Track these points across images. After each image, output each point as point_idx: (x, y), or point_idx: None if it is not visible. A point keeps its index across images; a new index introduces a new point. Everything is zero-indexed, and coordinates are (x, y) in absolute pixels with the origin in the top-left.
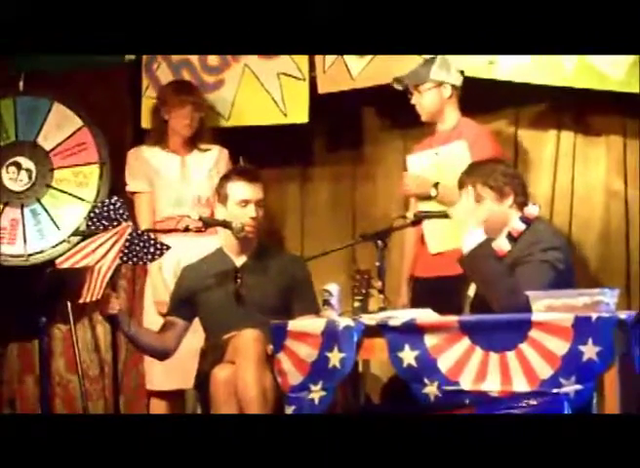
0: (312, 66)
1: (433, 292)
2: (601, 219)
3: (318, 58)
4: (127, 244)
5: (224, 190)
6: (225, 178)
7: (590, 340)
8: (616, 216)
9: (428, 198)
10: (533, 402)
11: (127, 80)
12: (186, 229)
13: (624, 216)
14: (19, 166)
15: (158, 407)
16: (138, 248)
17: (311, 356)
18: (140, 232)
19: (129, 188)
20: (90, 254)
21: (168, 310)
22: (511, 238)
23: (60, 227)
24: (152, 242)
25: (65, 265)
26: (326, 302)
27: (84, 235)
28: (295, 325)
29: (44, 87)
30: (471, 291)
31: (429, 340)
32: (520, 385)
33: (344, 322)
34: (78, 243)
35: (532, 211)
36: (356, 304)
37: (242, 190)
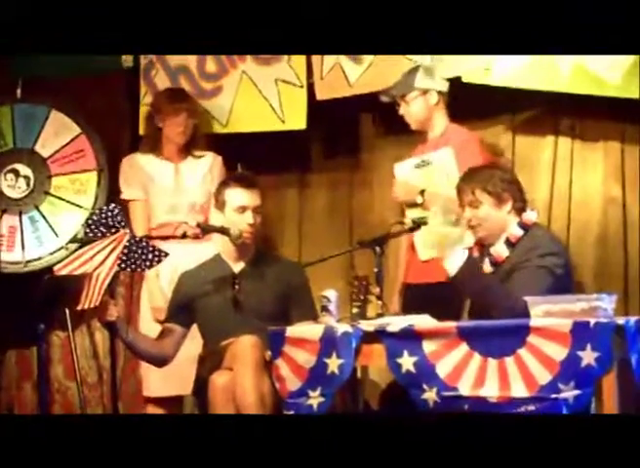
0: (310, 73)
1: (424, 298)
2: (599, 224)
3: (316, 65)
4: (125, 251)
5: (222, 197)
6: (223, 185)
7: (589, 346)
8: (614, 222)
9: (415, 205)
10: (531, 407)
11: (125, 87)
12: (184, 236)
13: (622, 222)
14: (17, 173)
15: (156, 413)
16: (136, 254)
17: (309, 362)
18: (138, 239)
19: (123, 196)
20: (88, 261)
21: (166, 317)
22: (509, 244)
23: (58, 234)
24: (150, 248)
25: (63, 272)
26: (324, 308)
27: (82, 242)
28: (293, 331)
29: (42, 94)
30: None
31: (428, 346)
32: (519, 391)
33: (343, 328)
34: (76, 250)
35: (530, 216)
36: (354, 310)
37: (239, 197)
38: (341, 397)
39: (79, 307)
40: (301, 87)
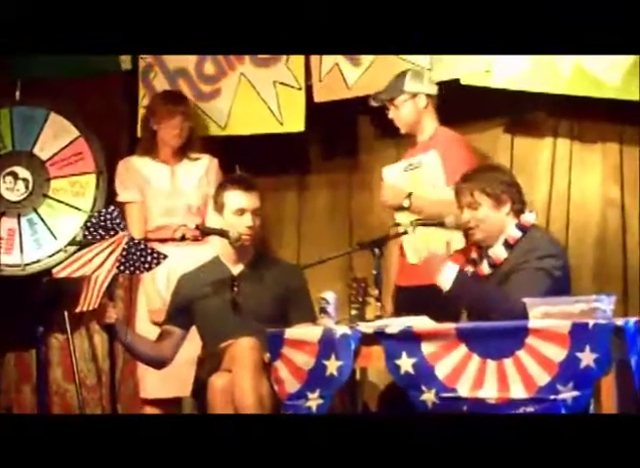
0: (308, 75)
1: (415, 300)
2: (598, 226)
3: (314, 67)
4: (124, 253)
5: (221, 199)
6: (222, 187)
7: (587, 347)
8: (612, 223)
9: (403, 208)
10: (530, 408)
11: (123, 89)
12: (183, 238)
13: (621, 223)
14: (15, 176)
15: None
16: (134, 257)
17: (308, 364)
18: (136, 241)
19: (119, 198)
20: (87, 264)
21: (165, 319)
22: (507, 245)
23: (56, 237)
24: (149, 251)
25: (62, 275)
26: (323, 310)
27: (81, 244)
28: (292, 333)
29: (40, 96)
30: None
31: (426, 348)
32: (517, 392)
33: (341, 330)
34: (75, 252)
35: (528, 218)
36: (353, 312)
37: (238, 199)
38: (340, 399)
39: (78, 310)
40: (300, 89)
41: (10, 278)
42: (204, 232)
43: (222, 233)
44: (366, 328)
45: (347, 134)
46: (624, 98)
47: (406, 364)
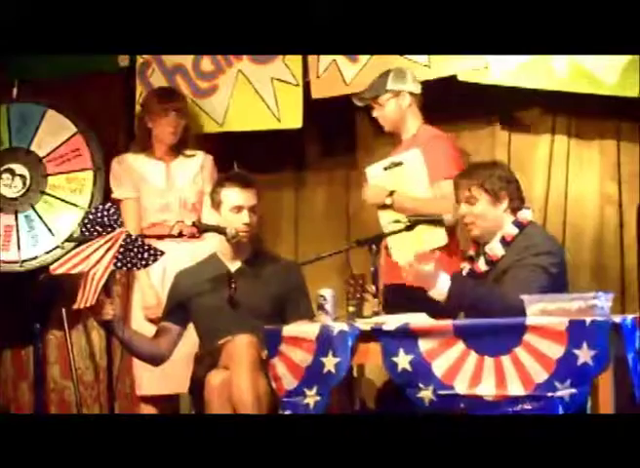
0: (306, 72)
1: (401, 297)
2: (595, 223)
3: (312, 64)
4: (121, 250)
5: (218, 196)
6: (219, 185)
7: (585, 344)
8: (610, 220)
9: (386, 207)
10: (527, 405)
11: (121, 86)
12: (180, 234)
13: (618, 220)
14: (12, 172)
15: (150, 412)
16: (132, 253)
17: (306, 361)
18: (134, 238)
19: (114, 195)
20: (84, 260)
21: (162, 315)
22: (504, 242)
23: (54, 233)
24: (146, 248)
25: (60, 271)
26: (320, 307)
27: (78, 241)
28: (289, 330)
29: (38, 94)
30: None
31: (424, 345)
32: (515, 389)
33: (339, 327)
34: (72, 249)
35: (525, 215)
36: (351, 309)
37: (235, 196)
38: (338, 396)
39: (75, 306)
40: (297, 85)
41: (7, 275)
42: (201, 229)
43: (220, 230)
44: (363, 324)
45: (345, 130)
46: (621, 95)
47: (403, 361)
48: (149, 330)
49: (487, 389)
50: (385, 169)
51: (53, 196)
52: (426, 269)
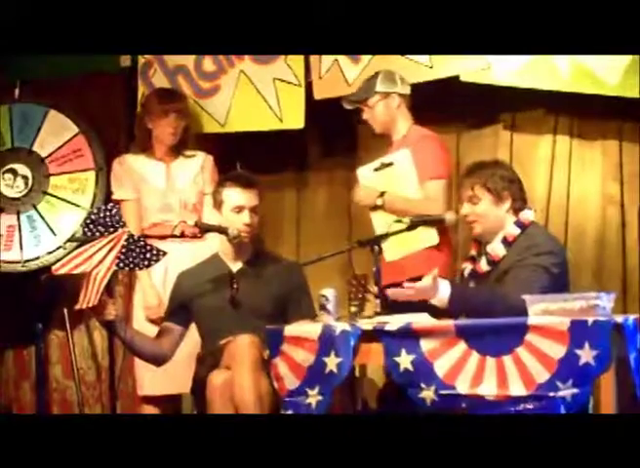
0: (308, 72)
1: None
2: (597, 223)
3: (314, 64)
4: (123, 250)
5: (220, 196)
6: (221, 185)
7: (587, 344)
8: (612, 220)
9: (378, 207)
10: (529, 405)
11: (123, 86)
12: (182, 235)
13: (621, 220)
14: (15, 172)
15: (152, 412)
16: (134, 254)
17: (308, 361)
18: (136, 238)
19: (115, 196)
20: (86, 261)
21: (164, 316)
22: (506, 243)
23: (56, 233)
24: (148, 248)
25: (62, 272)
26: (322, 307)
27: (80, 241)
28: (291, 330)
29: (40, 94)
30: None
31: (425, 345)
32: (517, 389)
33: (341, 326)
34: (74, 249)
35: (527, 215)
36: (353, 309)
37: (237, 196)
38: (340, 395)
39: (77, 307)
40: (299, 86)
41: (9, 275)
42: (203, 229)
43: (221, 230)
44: (365, 324)
45: (347, 131)
46: (623, 95)
47: (405, 361)
48: (151, 330)
49: (488, 389)
50: (376, 170)
51: (55, 196)
52: (425, 284)
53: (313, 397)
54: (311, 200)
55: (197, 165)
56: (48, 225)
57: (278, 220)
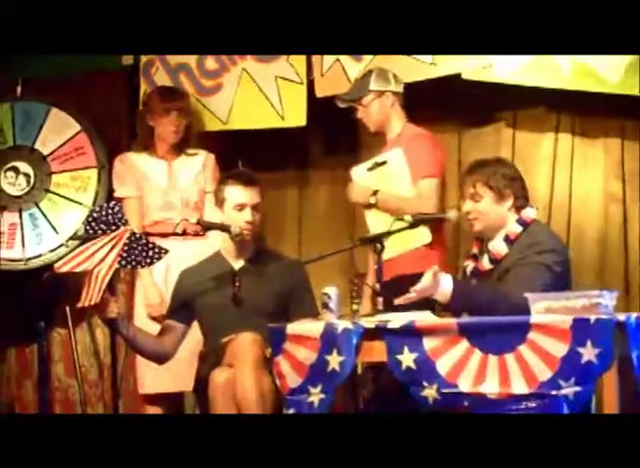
0: (310, 70)
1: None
2: (599, 221)
3: (316, 62)
4: (125, 248)
5: (222, 194)
6: (222, 183)
7: (589, 342)
8: (614, 218)
9: (371, 206)
10: (532, 404)
11: (125, 84)
12: (184, 232)
13: (622, 218)
14: (17, 170)
15: (154, 410)
16: (136, 252)
17: (310, 359)
18: (138, 236)
19: (117, 194)
20: (88, 259)
21: (166, 314)
22: (508, 241)
23: (58, 231)
24: (150, 246)
25: (64, 269)
26: (325, 305)
27: (82, 239)
28: (293, 328)
29: (41, 92)
30: None
31: (428, 343)
32: (519, 387)
33: (343, 325)
34: (76, 247)
35: (529, 213)
36: (354, 307)
37: (239, 194)
38: (342, 394)
39: (79, 305)
40: (301, 84)
41: (11, 273)
42: (205, 227)
43: (223, 228)
44: (368, 323)
45: (349, 129)
46: (625, 93)
47: (407, 359)
48: (152, 327)
49: (491, 387)
50: (369, 169)
51: (57, 194)
52: (425, 283)
53: (316, 395)
54: (313, 198)
55: (199, 163)
56: (50, 223)
57: (280, 218)
